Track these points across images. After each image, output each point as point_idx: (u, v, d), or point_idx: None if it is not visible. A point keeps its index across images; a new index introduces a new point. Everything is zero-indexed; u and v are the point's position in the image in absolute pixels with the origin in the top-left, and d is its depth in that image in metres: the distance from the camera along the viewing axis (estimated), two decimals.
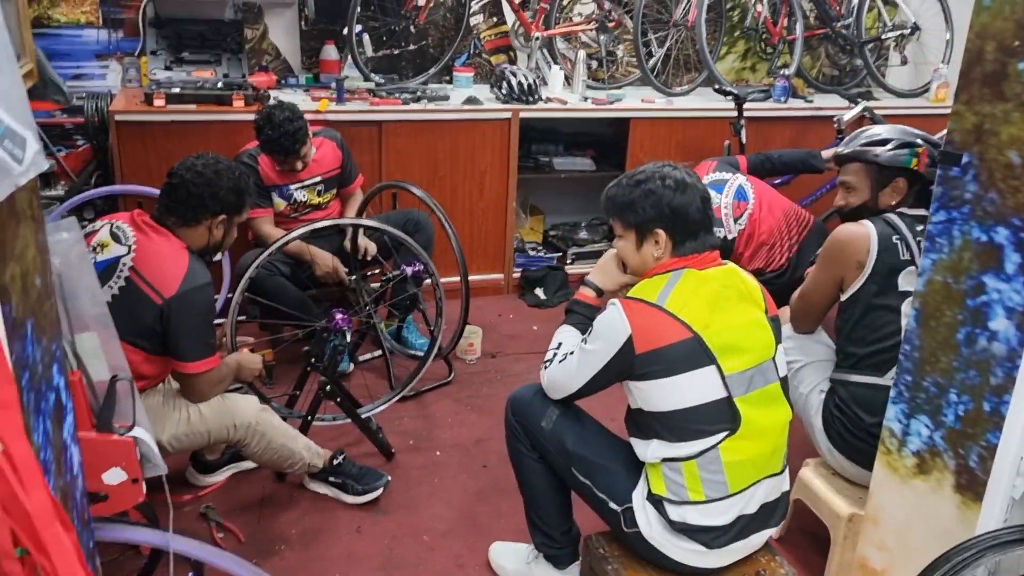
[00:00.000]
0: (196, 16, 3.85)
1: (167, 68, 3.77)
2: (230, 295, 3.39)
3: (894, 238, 2.17)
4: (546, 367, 2.00)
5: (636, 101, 4.22)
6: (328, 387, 2.57)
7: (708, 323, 1.79)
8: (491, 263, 4.10)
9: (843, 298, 2.24)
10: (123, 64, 3.88)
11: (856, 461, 2.21)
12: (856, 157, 2.34)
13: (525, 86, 3.92)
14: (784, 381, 1.90)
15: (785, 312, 2.50)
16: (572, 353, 1.92)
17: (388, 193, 3.59)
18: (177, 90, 3.54)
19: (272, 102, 3.24)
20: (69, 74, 3.84)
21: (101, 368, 1.36)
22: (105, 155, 3.78)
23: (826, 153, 3.42)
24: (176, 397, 2.17)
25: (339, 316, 2.63)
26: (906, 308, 2.16)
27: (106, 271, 2.07)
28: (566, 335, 2.03)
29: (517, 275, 4.18)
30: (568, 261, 4.33)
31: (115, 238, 2.12)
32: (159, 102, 3.44)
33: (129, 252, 2.09)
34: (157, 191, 3.33)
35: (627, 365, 1.80)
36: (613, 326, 1.81)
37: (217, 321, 3.15)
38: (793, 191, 3.75)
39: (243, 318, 3.66)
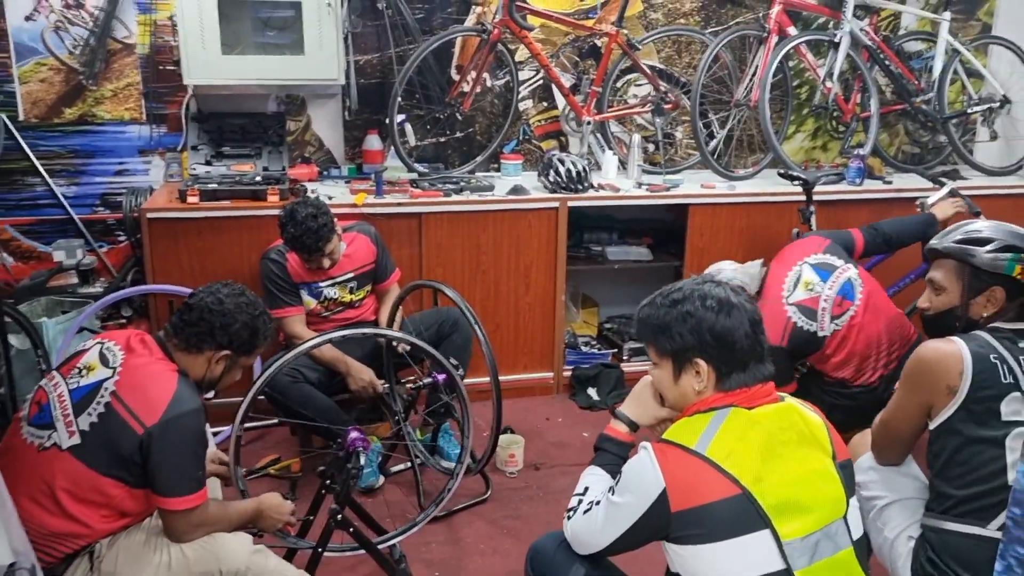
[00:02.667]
0: (238, 110, 3.80)
1: (207, 163, 3.71)
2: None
3: (992, 357, 1.81)
4: (569, 517, 1.69)
5: (695, 186, 3.94)
6: (339, 516, 2.31)
7: (760, 475, 1.47)
8: (539, 361, 3.82)
9: (932, 427, 1.88)
10: (165, 159, 3.84)
11: None
12: (949, 254, 1.99)
13: (574, 173, 3.69)
14: (859, 544, 1.55)
15: (867, 437, 2.14)
16: (598, 503, 1.62)
17: (429, 290, 3.39)
18: (212, 186, 3.44)
19: (298, 198, 3.09)
20: (112, 170, 3.81)
21: (1, 550, 1.14)
22: (142, 251, 3.70)
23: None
24: (159, 537, 1.93)
25: (353, 435, 2.37)
26: (1013, 443, 1.79)
27: (86, 397, 1.88)
28: (593, 479, 1.72)
29: (568, 373, 3.88)
30: (624, 358, 4.01)
31: (103, 360, 1.94)
32: (193, 199, 3.34)
33: (113, 375, 1.90)
34: (188, 290, 3.25)
35: (661, 525, 1.49)
36: (644, 477, 1.51)
37: (225, 432, 2.95)
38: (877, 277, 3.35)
39: (275, 422, 3.47)
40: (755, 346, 1.57)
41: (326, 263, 3.02)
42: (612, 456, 1.75)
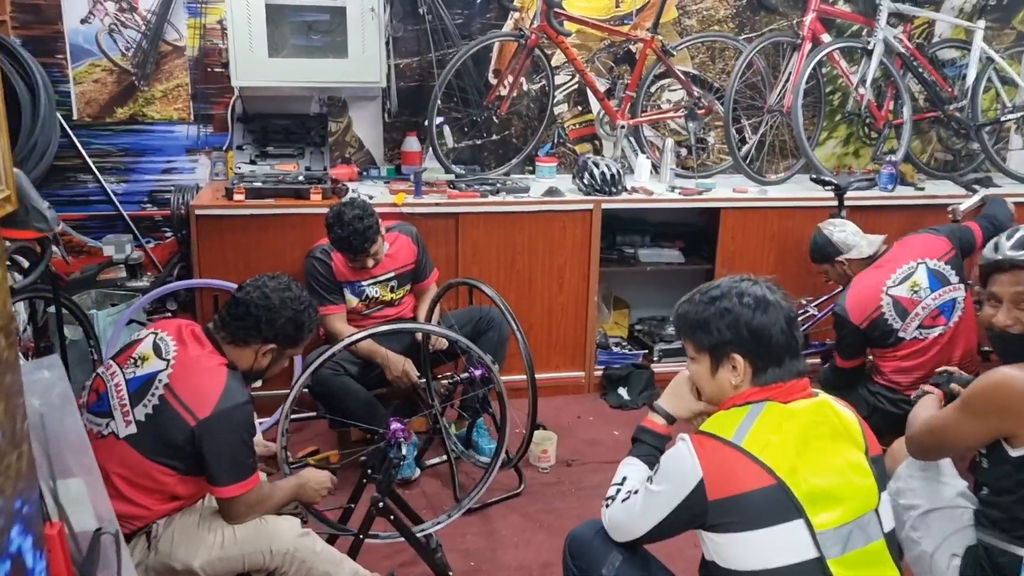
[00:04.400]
0: (282, 111, 3.92)
1: (252, 162, 3.82)
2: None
3: None
4: (607, 505, 1.76)
5: (727, 190, 3.99)
6: (381, 504, 2.39)
7: (795, 467, 1.53)
8: (571, 360, 3.89)
9: (1015, 455, 1.78)
10: (211, 158, 3.96)
11: None
12: None
13: (608, 176, 3.76)
14: (890, 536, 1.60)
15: (900, 446, 2.13)
16: (636, 492, 1.69)
17: (465, 288, 3.47)
18: (258, 184, 3.55)
19: (344, 198, 3.18)
20: (159, 168, 3.94)
21: (87, 517, 1.24)
22: (188, 247, 3.83)
23: None
24: (212, 518, 2.03)
25: (395, 426, 2.46)
26: None
27: (141, 388, 1.98)
28: (631, 469, 1.79)
29: (599, 373, 3.95)
30: (655, 359, 4.06)
31: (156, 351, 2.03)
32: (239, 196, 3.46)
33: (167, 368, 1.99)
34: (233, 285, 3.36)
35: (698, 513, 1.55)
36: (682, 466, 1.57)
37: (267, 422, 3.07)
38: None
39: (313, 415, 3.57)
40: (790, 342, 1.63)
41: (370, 263, 3.11)
42: (649, 447, 1.82)
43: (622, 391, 3.88)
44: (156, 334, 2.09)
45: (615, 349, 4.08)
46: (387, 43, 3.76)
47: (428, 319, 3.23)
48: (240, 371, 2.09)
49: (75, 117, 3.81)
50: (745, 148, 4.26)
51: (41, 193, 3.82)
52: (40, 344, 3.30)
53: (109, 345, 3.35)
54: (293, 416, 3.50)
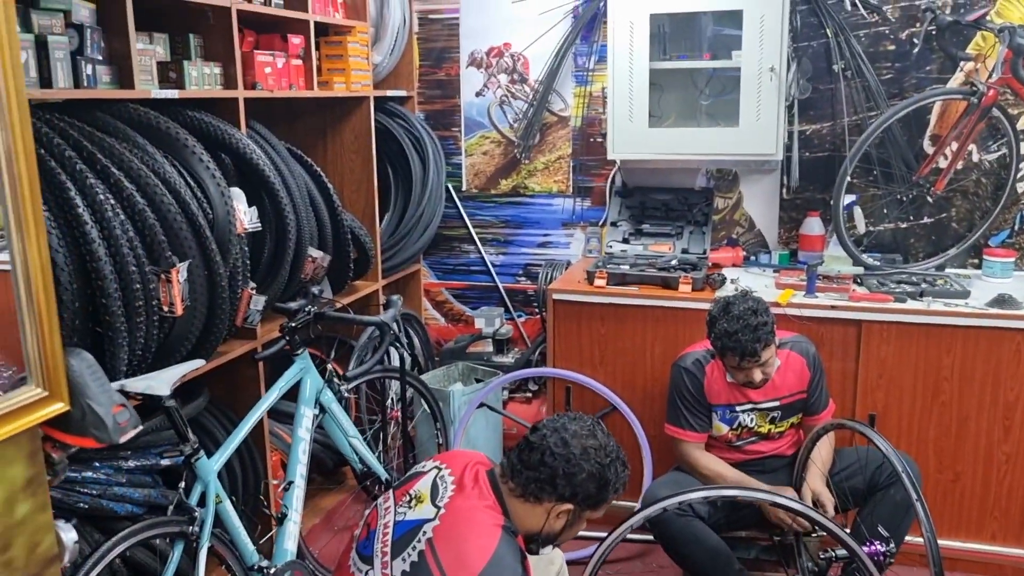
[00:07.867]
0: (664, 184, 3.52)
1: (625, 240, 3.48)
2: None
3: None
4: None
5: None
6: None
7: None
8: (1015, 532, 2.82)
9: None
10: (586, 233, 3.71)
11: None
12: None
13: None
14: None
15: None
16: None
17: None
18: (624, 268, 3.18)
19: (730, 288, 2.61)
20: (536, 241, 3.79)
21: None
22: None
23: None
24: None
25: None
26: None
27: (405, 536, 1.66)
28: None
29: None
30: None
31: (432, 493, 1.71)
32: (600, 281, 3.11)
33: (434, 517, 1.65)
34: (584, 379, 3.03)
35: None
36: None
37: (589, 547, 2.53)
38: None
39: (650, 538, 3.05)
40: None
41: (757, 376, 2.48)
42: None
43: None
44: (439, 469, 1.78)
45: None
46: (789, 107, 3.15)
47: (806, 461, 2.53)
48: (522, 534, 1.68)
49: (464, 188, 3.85)
50: None
51: (429, 262, 4.00)
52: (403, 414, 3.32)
53: (460, 425, 3.22)
54: (633, 538, 3.05)
